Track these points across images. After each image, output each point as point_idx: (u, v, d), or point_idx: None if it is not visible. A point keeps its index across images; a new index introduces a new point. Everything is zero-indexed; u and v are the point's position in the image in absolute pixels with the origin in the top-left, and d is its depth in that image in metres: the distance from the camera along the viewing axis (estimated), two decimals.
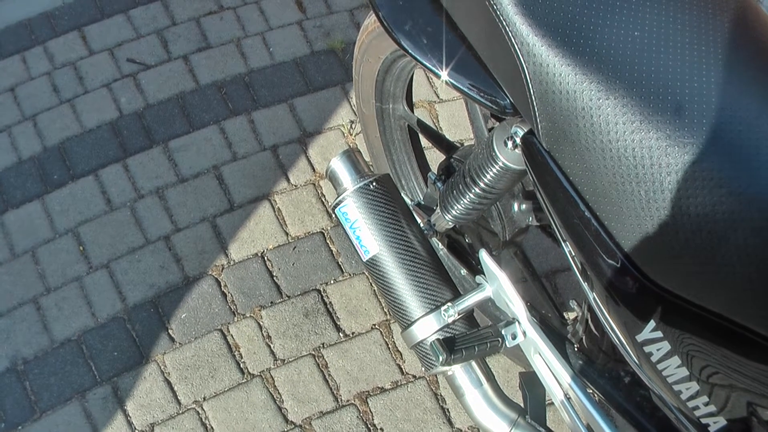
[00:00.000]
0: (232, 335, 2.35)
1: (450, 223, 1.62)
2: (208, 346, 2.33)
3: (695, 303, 1.05)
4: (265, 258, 2.47)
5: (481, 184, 1.47)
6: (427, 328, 1.52)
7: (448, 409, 2.26)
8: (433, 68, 1.40)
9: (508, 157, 1.40)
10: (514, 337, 1.52)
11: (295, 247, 2.49)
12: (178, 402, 2.26)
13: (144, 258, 2.46)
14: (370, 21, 1.83)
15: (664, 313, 1.10)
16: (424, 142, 2.22)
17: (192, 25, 2.90)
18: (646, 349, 1.17)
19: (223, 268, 2.45)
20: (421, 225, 1.62)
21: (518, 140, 1.33)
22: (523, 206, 1.67)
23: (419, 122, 2.04)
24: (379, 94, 2.01)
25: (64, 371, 2.29)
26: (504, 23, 1.17)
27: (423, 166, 2.24)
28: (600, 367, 1.57)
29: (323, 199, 2.56)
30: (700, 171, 0.98)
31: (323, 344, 2.34)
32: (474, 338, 1.48)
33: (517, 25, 1.15)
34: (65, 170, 2.60)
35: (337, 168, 1.62)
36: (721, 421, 1.15)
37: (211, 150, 2.64)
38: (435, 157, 2.29)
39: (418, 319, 1.52)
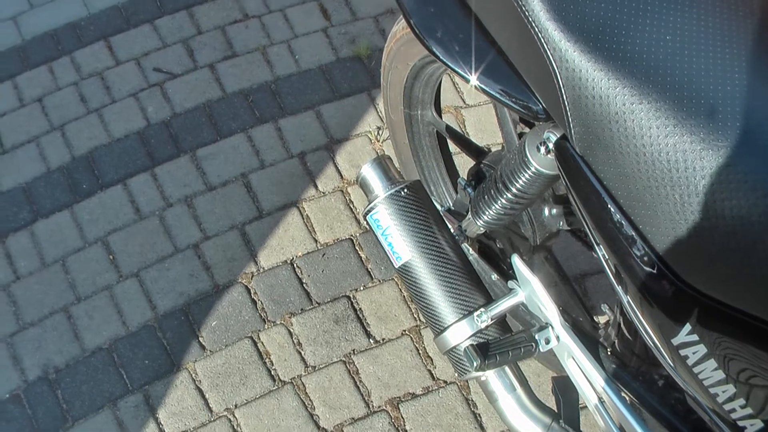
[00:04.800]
0: (262, 342, 2.36)
1: (481, 229, 1.63)
2: (238, 353, 2.34)
3: (732, 306, 1.05)
4: (295, 265, 2.48)
5: (514, 190, 1.47)
6: (460, 333, 1.52)
7: (479, 414, 2.26)
8: (464, 74, 1.40)
9: (541, 162, 1.40)
10: (547, 342, 1.52)
11: (324, 254, 2.49)
12: (210, 409, 2.27)
13: (173, 266, 2.47)
14: (398, 28, 1.84)
15: (701, 316, 1.10)
16: (452, 147, 2.22)
17: (217, 33, 2.91)
18: (682, 352, 1.17)
19: (252, 276, 2.46)
20: (452, 231, 1.63)
21: (551, 145, 1.33)
22: (554, 211, 1.68)
23: (448, 128, 2.04)
24: (407, 100, 2.02)
25: (95, 379, 2.30)
26: (536, 29, 1.17)
27: (452, 171, 2.24)
28: (633, 371, 1.57)
29: (351, 206, 2.57)
30: (734, 174, 0.99)
31: (354, 350, 2.35)
32: (507, 343, 1.48)
33: (549, 30, 1.15)
34: (94, 180, 2.62)
35: (368, 175, 1.62)
36: (759, 423, 1.15)
37: (239, 158, 2.65)
38: (463, 163, 2.30)
39: (451, 324, 1.52)
